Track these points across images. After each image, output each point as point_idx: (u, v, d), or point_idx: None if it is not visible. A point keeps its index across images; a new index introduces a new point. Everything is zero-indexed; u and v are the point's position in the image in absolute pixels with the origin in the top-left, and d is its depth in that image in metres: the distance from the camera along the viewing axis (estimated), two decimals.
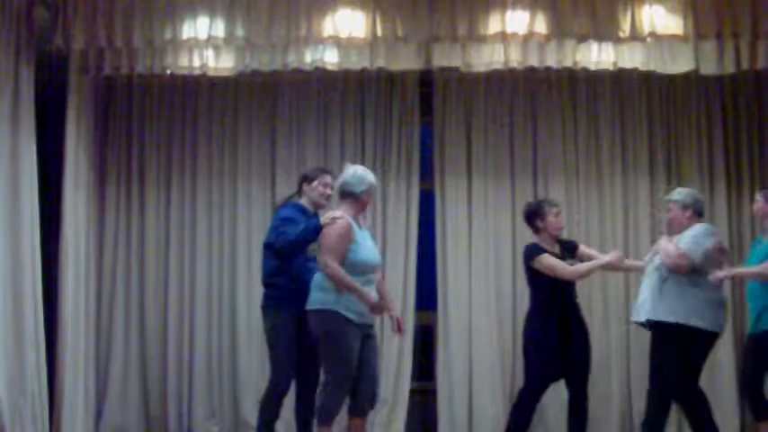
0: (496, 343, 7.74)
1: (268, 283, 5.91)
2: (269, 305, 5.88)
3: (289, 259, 5.75)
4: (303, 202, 5.99)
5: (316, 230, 5.50)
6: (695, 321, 5.70)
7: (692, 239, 5.78)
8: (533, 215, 6.23)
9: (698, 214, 5.98)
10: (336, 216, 5.43)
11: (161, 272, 7.96)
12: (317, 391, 5.50)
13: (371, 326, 5.57)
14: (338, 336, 5.32)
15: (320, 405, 5.38)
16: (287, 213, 5.85)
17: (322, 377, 5.49)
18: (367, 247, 5.50)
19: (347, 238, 5.40)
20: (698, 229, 5.87)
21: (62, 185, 7.30)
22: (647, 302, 5.83)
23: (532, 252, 6.12)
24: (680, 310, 5.71)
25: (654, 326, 5.86)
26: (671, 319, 5.73)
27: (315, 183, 5.97)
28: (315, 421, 5.48)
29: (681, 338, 5.71)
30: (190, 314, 7.89)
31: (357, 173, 5.56)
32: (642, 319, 5.93)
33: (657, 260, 5.87)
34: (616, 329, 7.71)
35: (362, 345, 5.42)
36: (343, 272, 5.33)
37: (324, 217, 5.54)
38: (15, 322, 6.60)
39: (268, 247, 5.89)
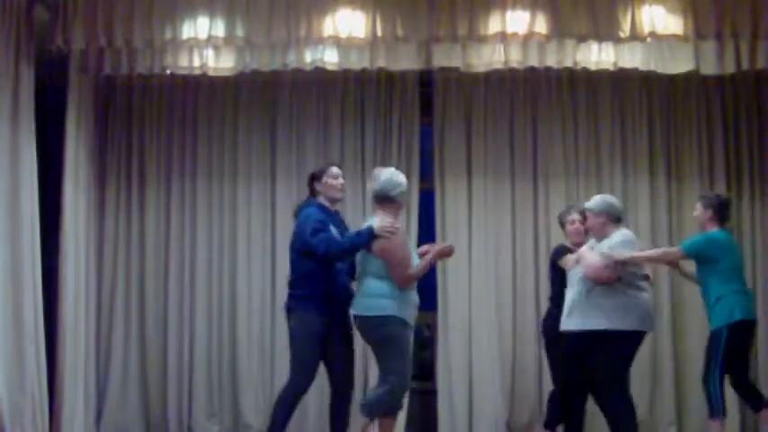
0: (496, 343, 7.74)
1: (298, 284, 5.79)
2: (298, 306, 5.74)
3: (331, 264, 5.73)
4: (321, 200, 5.89)
5: (370, 236, 5.49)
6: (621, 325, 5.81)
7: (609, 251, 5.84)
8: (560, 219, 6.80)
9: (615, 220, 6.02)
10: (393, 227, 5.50)
11: (161, 271, 7.97)
12: (375, 386, 5.57)
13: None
14: (400, 338, 5.50)
15: (376, 400, 5.45)
16: (315, 215, 5.72)
17: (380, 377, 5.55)
18: (411, 250, 5.71)
19: (407, 245, 5.64)
20: (617, 238, 5.93)
21: (62, 185, 7.30)
22: (576, 311, 5.89)
23: (559, 253, 6.56)
24: (610, 316, 5.82)
25: (586, 335, 5.89)
26: (601, 326, 5.82)
27: (324, 178, 5.90)
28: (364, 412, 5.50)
29: (611, 343, 5.82)
30: (190, 314, 7.89)
31: (391, 177, 5.61)
32: (574, 328, 5.97)
33: (581, 271, 5.91)
34: None
35: None
36: (415, 270, 5.53)
37: (379, 228, 5.49)
38: (15, 321, 6.60)
39: (299, 250, 5.75)
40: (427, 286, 7.92)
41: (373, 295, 5.50)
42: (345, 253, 5.62)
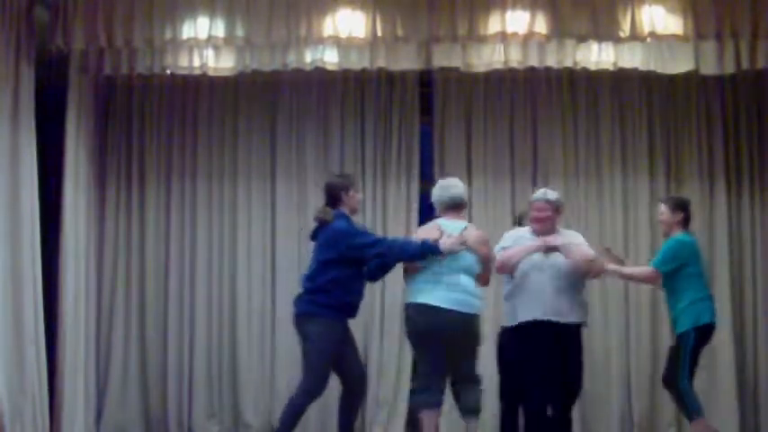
0: (496, 343, 7.71)
1: (325, 290, 5.73)
2: (323, 312, 5.70)
3: (375, 280, 5.96)
4: (344, 210, 5.86)
5: (432, 251, 5.54)
6: (587, 319, 5.98)
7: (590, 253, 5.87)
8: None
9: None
10: (480, 234, 5.70)
11: (161, 271, 7.97)
12: (467, 389, 5.62)
13: None
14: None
15: (479, 401, 5.62)
16: (352, 228, 5.77)
17: (474, 376, 5.65)
18: None
19: None
20: (580, 238, 5.97)
21: (62, 185, 7.30)
22: (565, 305, 5.78)
23: None
24: (585, 309, 5.95)
25: (573, 326, 5.86)
26: (582, 319, 5.90)
27: (351, 191, 5.91)
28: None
29: (581, 337, 5.93)
30: (190, 314, 7.90)
31: (461, 184, 5.82)
32: (572, 321, 5.86)
33: (563, 263, 5.78)
34: (616, 330, 7.71)
35: None
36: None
37: (474, 238, 5.61)
38: (15, 321, 6.61)
39: (332, 263, 5.71)
40: None
41: (478, 296, 5.61)
42: (418, 256, 5.62)
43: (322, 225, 5.85)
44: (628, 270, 6.38)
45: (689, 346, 6.04)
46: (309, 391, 5.72)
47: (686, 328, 6.04)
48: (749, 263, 7.76)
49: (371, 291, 7.34)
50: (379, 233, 7.81)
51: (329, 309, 5.69)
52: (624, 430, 7.61)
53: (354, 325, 7.51)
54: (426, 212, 7.97)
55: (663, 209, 6.26)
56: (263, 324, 7.88)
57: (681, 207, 6.22)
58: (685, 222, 6.21)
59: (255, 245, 7.94)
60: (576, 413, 7.49)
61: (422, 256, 5.58)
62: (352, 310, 5.79)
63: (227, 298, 7.93)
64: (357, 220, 7.60)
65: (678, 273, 6.08)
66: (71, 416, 7.17)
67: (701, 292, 6.14)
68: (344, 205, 5.86)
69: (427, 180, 8.04)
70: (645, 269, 6.31)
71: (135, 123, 8.11)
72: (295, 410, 5.71)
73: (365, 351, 7.74)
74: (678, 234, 6.16)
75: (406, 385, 7.69)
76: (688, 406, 6.08)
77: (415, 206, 7.94)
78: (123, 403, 7.82)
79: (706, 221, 7.78)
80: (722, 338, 7.59)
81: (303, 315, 5.78)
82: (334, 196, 5.89)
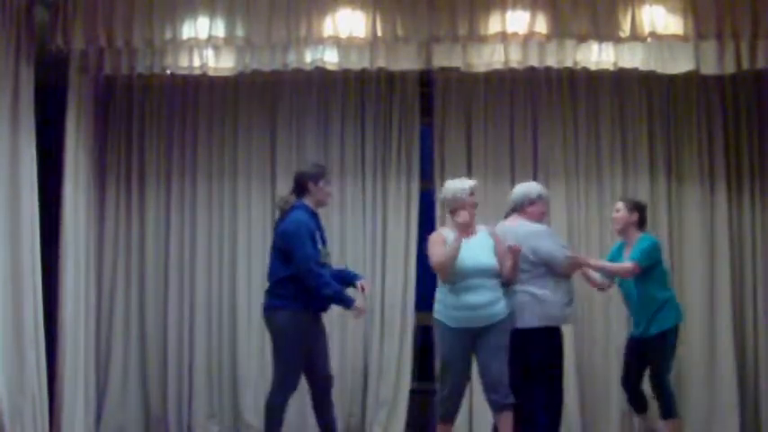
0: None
1: (285, 283, 5.78)
2: (287, 305, 5.75)
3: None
4: (308, 202, 5.89)
5: (343, 304, 5.71)
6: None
7: (557, 244, 5.95)
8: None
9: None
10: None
11: (161, 272, 7.96)
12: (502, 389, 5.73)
13: None
14: None
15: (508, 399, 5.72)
16: (307, 223, 5.75)
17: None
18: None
19: None
20: (548, 231, 6.11)
21: (62, 185, 7.30)
22: (555, 307, 5.90)
23: None
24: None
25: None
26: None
27: (321, 182, 5.90)
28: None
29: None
30: (190, 314, 7.89)
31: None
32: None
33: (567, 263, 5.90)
34: (616, 329, 7.69)
35: None
36: None
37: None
38: (15, 322, 6.60)
39: (286, 252, 5.74)
40: (427, 287, 7.94)
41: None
42: (326, 300, 5.73)
43: (282, 214, 5.82)
44: (610, 265, 6.46)
45: (672, 343, 6.19)
46: (286, 388, 5.74)
47: (666, 328, 6.16)
48: (749, 263, 7.75)
49: (372, 291, 7.33)
50: (378, 234, 7.84)
51: (291, 300, 5.68)
52: (624, 430, 7.60)
53: (355, 325, 7.60)
54: (426, 212, 8.00)
55: (620, 206, 6.45)
56: (264, 324, 7.84)
57: (637, 208, 6.42)
58: (640, 224, 6.40)
59: (255, 245, 7.93)
60: (576, 413, 7.54)
61: (329, 302, 5.73)
62: (316, 302, 5.72)
63: (227, 298, 7.92)
64: (353, 216, 7.73)
65: (651, 272, 6.23)
66: (71, 416, 7.17)
67: (671, 291, 6.40)
68: (311, 196, 5.83)
69: (427, 180, 8.05)
70: (626, 264, 6.34)
71: (135, 123, 8.11)
72: (277, 410, 5.71)
73: (365, 351, 7.75)
74: (641, 234, 6.33)
75: (406, 385, 7.70)
76: (669, 403, 6.20)
77: (416, 206, 7.94)
78: (123, 403, 7.82)
79: (706, 221, 7.78)
80: (722, 338, 7.61)
81: (266, 309, 5.82)
82: (301, 185, 5.87)
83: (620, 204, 6.47)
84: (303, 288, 5.69)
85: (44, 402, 6.83)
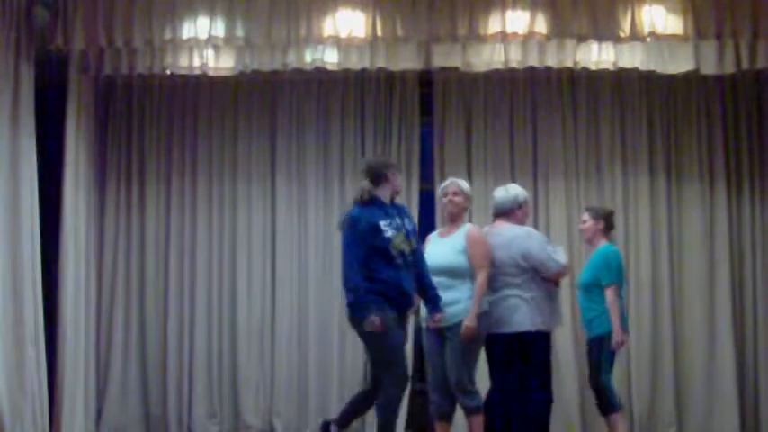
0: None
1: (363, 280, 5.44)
2: (379, 300, 5.38)
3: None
4: (382, 194, 5.52)
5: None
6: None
7: (547, 248, 5.89)
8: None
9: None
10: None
11: (161, 271, 7.97)
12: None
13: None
14: None
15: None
16: (359, 223, 5.41)
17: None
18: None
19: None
20: (538, 236, 6.05)
21: (62, 185, 7.30)
22: (545, 312, 5.86)
23: None
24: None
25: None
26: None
27: (396, 172, 5.68)
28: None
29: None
30: (190, 314, 7.89)
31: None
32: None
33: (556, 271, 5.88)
34: None
35: None
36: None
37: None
38: (15, 322, 6.61)
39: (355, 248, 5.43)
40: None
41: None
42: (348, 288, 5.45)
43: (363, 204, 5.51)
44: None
45: (606, 347, 6.15)
46: (397, 381, 5.40)
47: (604, 331, 6.14)
48: (749, 263, 7.75)
49: None
50: None
51: (374, 295, 5.36)
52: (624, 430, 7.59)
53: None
54: (426, 212, 7.99)
55: (586, 217, 6.43)
56: (264, 324, 7.88)
57: (602, 216, 6.39)
58: (606, 231, 6.39)
59: (255, 245, 7.94)
60: (576, 413, 7.54)
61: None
62: (395, 298, 5.40)
63: (228, 298, 7.93)
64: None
65: (605, 281, 6.17)
66: (71, 416, 7.17)
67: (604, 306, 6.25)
68: (386, 185, 5.55)
69: (427, 180, 8.05)
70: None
71: (135, 123, 8.11)
72: (393, 410, 5.44)
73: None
74: (605, 243, 6.31)
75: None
76: (611, 400, 6.21)
77: (415, 206, 7.93)
78: (123, 403, 7.82)
79: (706, 221, 7.78)
80: (722, 338, 7.61)
81: (349, 307, 5.48)
82: (380, 175, 5.55)
83: (586, 215, 6.43)
84: (389, 283, 5.41)
85: (44, 401, 6.83)
